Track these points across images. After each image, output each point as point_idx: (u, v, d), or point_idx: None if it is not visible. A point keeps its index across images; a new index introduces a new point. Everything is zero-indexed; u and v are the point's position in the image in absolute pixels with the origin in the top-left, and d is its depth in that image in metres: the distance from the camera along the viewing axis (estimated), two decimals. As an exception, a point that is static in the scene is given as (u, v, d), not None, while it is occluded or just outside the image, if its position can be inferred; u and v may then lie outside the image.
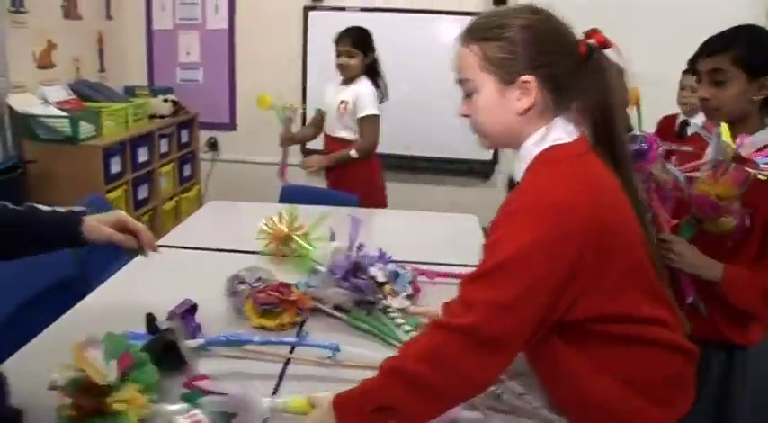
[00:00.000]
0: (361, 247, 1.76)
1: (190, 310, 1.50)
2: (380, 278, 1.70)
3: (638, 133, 1.51)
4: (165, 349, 1.29)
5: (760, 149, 1.37)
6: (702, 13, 3.69)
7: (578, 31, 1.12)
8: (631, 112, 1.61)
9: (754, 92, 1.49)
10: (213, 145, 4.89)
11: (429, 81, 4.08)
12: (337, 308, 1.64)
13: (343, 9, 4.18)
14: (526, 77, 1.06)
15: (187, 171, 4.69)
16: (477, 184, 4.65)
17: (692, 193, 1.49)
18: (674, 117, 3.13)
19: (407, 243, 2.19)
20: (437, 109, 4.11)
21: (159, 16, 4.64)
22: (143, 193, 4.04)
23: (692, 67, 1.62)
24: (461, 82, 1.13)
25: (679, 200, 1.55)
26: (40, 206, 1.32)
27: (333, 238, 1.77)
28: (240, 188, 4.50)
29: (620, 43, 1.11)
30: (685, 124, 3.04)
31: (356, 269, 1.67)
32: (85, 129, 3.60)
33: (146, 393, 1.13)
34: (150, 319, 1.39)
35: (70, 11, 4.06)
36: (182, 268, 1.97)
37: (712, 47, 1.52)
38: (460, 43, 1.13)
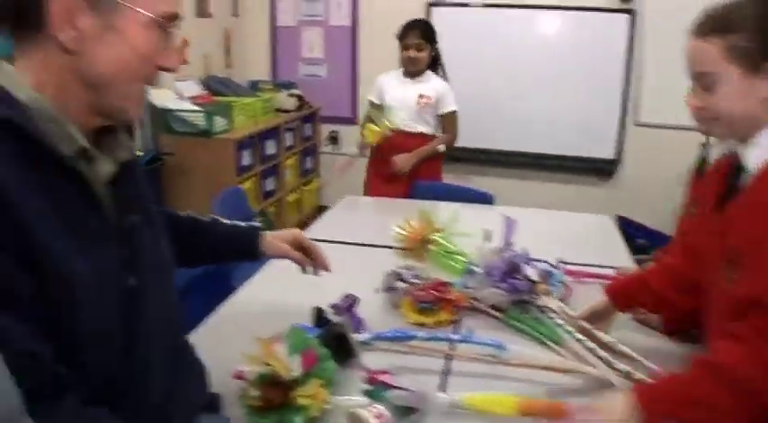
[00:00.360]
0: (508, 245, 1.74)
1: (352, 304, 1.53)
2: (535, 277, 1.67)
3: None
4: (336, 342, 1.32)
5: None
6: None
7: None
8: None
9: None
10: (334, 139, 5.00)
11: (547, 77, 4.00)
12: (493, 307, 1.62)
13: (465, 5, 4.14)
14: None
15: (308, 164, 4.82)
16: (595, 182, 4.50)
17: None
18: None
19: (544, 242, 2.11)
20: (558, 108, 4.04)
21: (283, 13, 4.78)
22: (270, 185, 4.18)
23: None
24: (698, 75, 1.13)
25: None
26: (221, 220, 1.39)
27: (489, 238, 1.75)
28: (358, 183, 4.57)
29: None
30: None
31: (512, 269, 1.65)
32: (219, 122, 3.76)
33: (326, 388, 1.17)
34: (319, 312, 1.42)
35: (202, 9, 4.25)
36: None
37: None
38: (697, 37, 1.12)
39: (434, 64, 3.21)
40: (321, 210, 3.84)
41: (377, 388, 1.18)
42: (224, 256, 1.41)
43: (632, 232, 3.69)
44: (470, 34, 4.10)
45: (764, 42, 1.05)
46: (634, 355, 1.38)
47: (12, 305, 0.73)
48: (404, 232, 2.07)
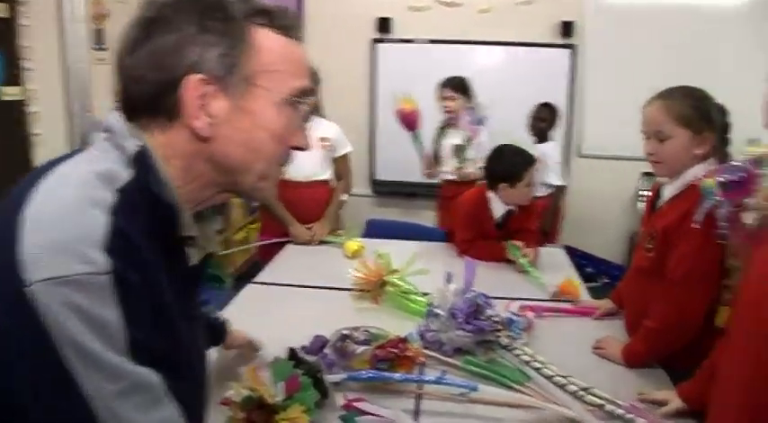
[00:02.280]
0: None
1: (323, 345, 1.51)
2: (497, 318, 1.64)
3: (737, 163, 1.40)
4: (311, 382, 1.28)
5: None
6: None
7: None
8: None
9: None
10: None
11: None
12: (457, 350, 1.59)
13: (410, 41, 4.18)
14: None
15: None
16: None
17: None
18: None
19: (501, 278, 2.25)
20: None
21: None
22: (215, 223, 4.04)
23: None
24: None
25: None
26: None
27: (450, 280, 1.71)
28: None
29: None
30: None
31: (475, 311, 1.61)
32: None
33: (307, 413, 1.22)
34: (292, 352, 1.38)
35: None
36: (290, 306, 2.00)
37: None
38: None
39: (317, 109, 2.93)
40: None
41: (350, 414, 1.23)
42: None
43: (580, 261, 3.73)
44: (416, 70, 4.09)
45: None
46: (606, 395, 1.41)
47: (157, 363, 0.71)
48: (360, 275, 2.03)
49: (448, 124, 3.47)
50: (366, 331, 1.54)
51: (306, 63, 0.84)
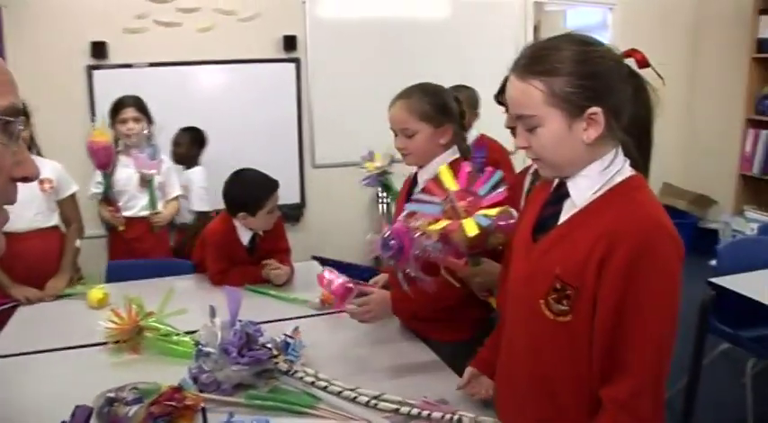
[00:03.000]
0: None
1: (88, 417, 1.34)
2: (271, 345, 1.61)
3: (386, 235, 1.53)
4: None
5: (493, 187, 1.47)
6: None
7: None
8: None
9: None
10: None
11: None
12: (237, 386, 1.52)
13: (129, 66, 3.90)
14: (594, 109, 1.06)
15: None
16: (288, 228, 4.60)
17: (457, 241, 1.48)
18: None
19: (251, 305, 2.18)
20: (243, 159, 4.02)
21: None
22: None
23: (499, 100, 1.71)
24: (522, 117, 1.11)
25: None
26: None
27: (214, 314, 1.62)
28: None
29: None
30: None
31: (248, 341, 1.56)
32: None
33: None
34: None
35: None
36: (36, 378, 1.72)
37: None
38: (518, 78, 1.10)
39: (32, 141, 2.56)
40: None
41: None
42: None
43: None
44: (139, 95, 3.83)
45: (584, 88, 1.05)
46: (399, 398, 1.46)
47: None
48: (112, 325, 1.84)
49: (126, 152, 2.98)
50: (134, 388, 1.39)
51: (8, 76, 0.70)
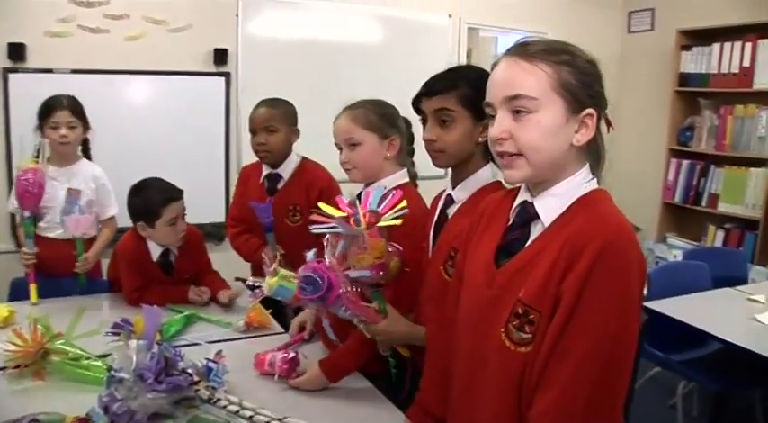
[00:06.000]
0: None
1: None
2: (191, 370, 1.49)
3: (309, 273, 1.37)
4: None
5: (381, 200, 1.41)
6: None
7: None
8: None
9: (479, 133, 1.44)
10: None
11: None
12: (153, 416, 1.39)
13: (50, 71, 3.67)
14: (591, 111, 1.03)
15: None
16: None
17: (357, 274, 1.40)
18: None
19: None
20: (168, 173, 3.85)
21: None
22: None
23: (416, 108, 1.59)
24: (517, 98, 1.02)
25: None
26: None
27: (129, 335, 1.49)
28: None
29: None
30: None
31: (166, 366, 1.43)
32: None
33: None
34: None
35: None
36: None
37: (436, 87, 1.48)
38: (524, 60, 1.03)
39: None
40: None
41: None
42: None
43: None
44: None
45: (587, 86, 1.03)
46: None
47: None
48: (13, 348, 1.67)
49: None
50: (34, 420, 1.24)
51: None
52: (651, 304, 2.54)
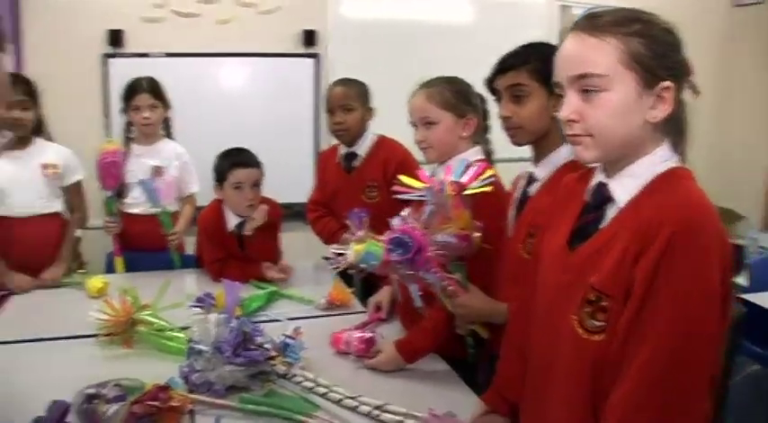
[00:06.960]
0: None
1: (64, 413, 1.23)
2: (269, 345, 1.50)
3: (398, 235, 1.34)
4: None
5: (466, 169, 1.39)
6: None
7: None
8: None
9: (554, 107, 1.35)
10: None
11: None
12: (230, 388, 1.41)
13: (146, 55, 3.82)
14: (667, 84, 0.94)
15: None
16: (302, 227, 4.48)
17: (442, 241, 1.37)
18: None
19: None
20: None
21: None
22: None
23: (490, 87, 1.54)
24: (585, 76, 0.95)
25: None
26: None
27: (210, 309, 1.52)
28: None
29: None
30: None
31: (244, 340, 1.45)
32: None
33: None
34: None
35: None
36: (25, 368, 1.63)
37: (508, 62, 1.46)
38: (589, 34, 0.96)
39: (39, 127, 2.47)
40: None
41: None
42: None
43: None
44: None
45: (663, 57, 0.94)
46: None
47: None
48: (104, 316, 1.74)
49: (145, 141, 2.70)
50: (117, 385, 1.28)
51: None
52: (751, 297, 2.36)
